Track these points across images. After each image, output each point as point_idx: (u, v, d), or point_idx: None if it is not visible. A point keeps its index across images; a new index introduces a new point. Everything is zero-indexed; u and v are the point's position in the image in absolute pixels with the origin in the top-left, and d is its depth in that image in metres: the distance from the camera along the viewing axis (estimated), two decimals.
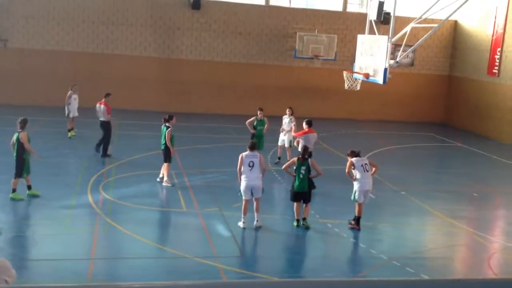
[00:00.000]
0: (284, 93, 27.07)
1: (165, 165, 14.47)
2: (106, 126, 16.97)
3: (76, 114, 19.24)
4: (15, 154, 12.67)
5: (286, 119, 17.30)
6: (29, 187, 12.90)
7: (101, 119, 16.95)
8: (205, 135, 21.08)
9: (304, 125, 15.15)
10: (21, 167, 12.64)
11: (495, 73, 25.07)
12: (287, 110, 17.40)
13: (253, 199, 11.90)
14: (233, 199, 13.73)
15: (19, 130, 12.65)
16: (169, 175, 14.57)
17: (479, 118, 26.12)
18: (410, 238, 12.53)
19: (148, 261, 10.24)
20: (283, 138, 17.26)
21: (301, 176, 11.89)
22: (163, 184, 14.46)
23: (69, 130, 19.16)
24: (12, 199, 12.54)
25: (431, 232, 13.18)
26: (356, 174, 12.06)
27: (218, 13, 26.26)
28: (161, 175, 14.67)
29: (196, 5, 25.48)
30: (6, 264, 5.82)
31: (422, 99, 28.66)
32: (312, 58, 25.55)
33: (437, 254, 11.69)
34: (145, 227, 11.80)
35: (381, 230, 12.92)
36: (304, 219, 12.15)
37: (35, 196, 12.85)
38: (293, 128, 17.14)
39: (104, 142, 16.98)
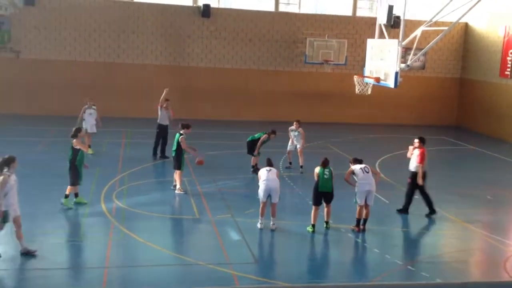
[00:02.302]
0: (295, 99, 27.11)
1: (177, 173, 14.52)
2: (164, 130, 17.86)
3: (94, 130, 18.11)
4: (68, 162, 12.96)
5: (294, 133, 17.22)
6: (76, 195, 13.13)
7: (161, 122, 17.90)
8: (216, 142, 21.11)
9: (416, 143, 13.68)
10: (75, 175, 12.86)
11: (507, 74, 24.90)
12: (295, 123, 17.29)
13: (270, 204, 12.08)
14: (245, 205, 13.77)
15: (71, 138, 12.84)
16: (181, 183, 14.60)
17: (493, 120, 25.94)
18: (425, 242, 12.45)
19: (162, 268, 10.26)
20: (295, 143, 17.25)
21: (325, 176, 12.05)
22: (176, 192, 14.50)
23: (89, 146, 18.00)
24: (65, 205, 12.84)
25: (446, 236, 13.07)
26: (356, 177, 12.25)
27: (228, 21, 26.36)
28: (174, 183, 14.71)
29: (206, 13, 25.60)
30: None
31: (434, 102, 28.54)
32: (323, 63, 25.54)
33: (453, 258, 11.60)
34: (158, 234, 11.83)
35: (396, 234, 12.84)
36: (326, 222, 12.34)
37: (81, 203, 13.09)
38: (303, 142, 17.09)
39: (162, 144, 17.93)
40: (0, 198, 9.63)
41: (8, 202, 9.81)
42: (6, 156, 9.98)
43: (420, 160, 13.36)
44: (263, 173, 12.22)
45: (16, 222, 10.09)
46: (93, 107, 18.12)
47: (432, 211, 13.63)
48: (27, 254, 10.20)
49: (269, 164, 12.54)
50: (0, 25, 24.40)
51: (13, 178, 9.91)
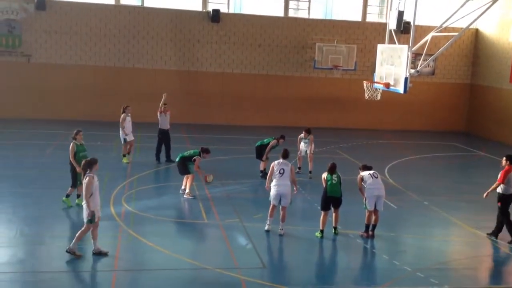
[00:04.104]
0: (304, 104, 27.10)
1: (189, 177, 14.54)
2: (166, 135, 18.14)
3: (132, 137, 17.95)
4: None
5: (304, 140, 17.20)
6: (78, 196, 13.29)
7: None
8: (225, 147, 21.13)
9: (504, 162, 12.67)
10: (74, 176, 13.14)
11: None
12: (304, 132, 17.23)
13: (280, 208, 12.10)
14: (253, 210, 13.77)
15: (72, 139, 13.22)
16: (191, 187, 14.61)
17: (503, 127, 25.79)
18: (434, 248, 12.37)
19: (170, 272, 10.26)
20: (305, 149, 17.25)
21: (333, 181, 12.03)
22: (185, 196, 14.52)
23: (124, 156, 17.97)
24: (63, 202, 13.32)
25: (455, 243, 12.99)
26: (365, 183, 12.21)
27: (237, 26, 26.43)
28: (183, 187, 14.74)
29: (215, 18, 25.68)
30: None
31: (444, 108, 28.45)
32: (332, 69, 25.53)
33: (462, 265, 11.52)
34: (167, 238, 11.84)
35: (404, 241, 12.77)
36: (335, 228, 12.31)
37: (80, 205, 13.05)
38: (311, 147, 17.08)
39: (166, 149, 18.13)
40: (88, 199, 10.19)
41: (93, 202, 10.30)
42: (89, 159, 10.65)
43: (500, 179, 12.50)
44: (276, 173, 12.04)
45: (96, 222, 10.45)
46: (129, 114, 17.80)
47: None
48: (99, 255, 10.46)
49: (285, 155, 12.34)
50: (11, 30, 24.60)
51: (96, 179, 10.41)
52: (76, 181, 13.17)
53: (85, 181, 10.28)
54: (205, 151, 14.58)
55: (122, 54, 25.76)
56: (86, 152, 13.29)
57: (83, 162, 10.65)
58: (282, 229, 12.16)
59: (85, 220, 10.39)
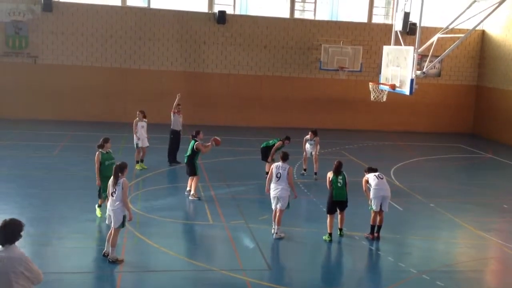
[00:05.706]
0: (310, 105, 27.08)
1: (194, 178, 14.56)
2: (177, 135, 18.12)
3: (147, 144, 17.32)
4: None
5: (310, 142, 17.19)
6: (100, 206, 12.85)
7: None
8: (230, 148, 21.14)
9: None
10: (100, 187, 12.68)
11: None
12: (310, 133, 17.22)
13: (277, 210, 12.07)
14: (258, 211, 13.77)
15: (98, 148, 12.71)
16: (196, 189, 14.63)
17: (509, 129, 25.68)
18: (440, 251, 12.33)
19: (175, 273, 10.28)
20: (310, 150, 17.24)
21: (338, 185, 12.01)
22: (190, 197, 14.53)
23: (137, 162, 17.24)
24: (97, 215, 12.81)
25: (461, 245, 12.94)
26: (371, 184, 12.20)
27: (243, 27, 26.45)
28: (188, 188, 14.76)
29: (221, 20, 25.71)
30: (23, 257, 6.26)
31: (450, 110, 28.37)
32: (337, 70, 25.50)
33: (468, 268, 11.48)
34: (172, 240, 11.86)
35: (410, 243, 12.75)
36: (340, 229, 12.29)
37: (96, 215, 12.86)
38: (317, 149, 17.08)
39: (174, 149, 18.11)
40: (127, 202, 10.30)
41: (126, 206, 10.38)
42: (119, 163, 10.54)
43: None
44: (273, 177, 12.00)
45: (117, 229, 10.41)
46: (144, 120, 17.35)
47: None
48: (114, 263, 10.31)
49: (284, 158, 12.17)
50: (18, 31, 24.71)
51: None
52: (99, 192, 12.69)
53: (121, 185, 10.15)
54: (196, 134, 14.68)
55: (128, 55, 25.83)
56: (114, 160, 12.68)
57: (114, 166, 10.45)
58: (276, 232, 12.06)
59: (117, 225, 10.22)
